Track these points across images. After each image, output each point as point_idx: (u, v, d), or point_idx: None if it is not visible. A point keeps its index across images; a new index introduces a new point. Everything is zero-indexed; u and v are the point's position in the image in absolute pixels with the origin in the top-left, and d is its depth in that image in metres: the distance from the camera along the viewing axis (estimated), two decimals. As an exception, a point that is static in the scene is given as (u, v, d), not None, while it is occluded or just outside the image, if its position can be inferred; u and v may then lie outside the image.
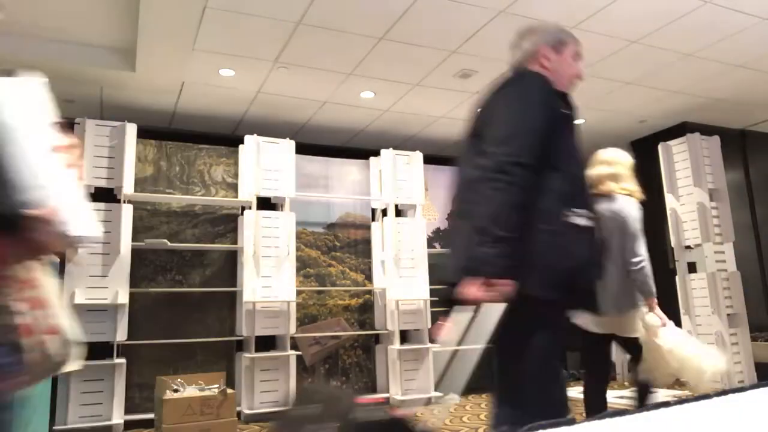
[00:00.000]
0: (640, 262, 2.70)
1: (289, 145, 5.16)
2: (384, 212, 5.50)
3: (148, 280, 4.79)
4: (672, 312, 3.76)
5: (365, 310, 5.46)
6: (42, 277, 1.26)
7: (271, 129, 5.72)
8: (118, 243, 4.43)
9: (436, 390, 5.01)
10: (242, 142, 5.12)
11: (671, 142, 5.83)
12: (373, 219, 5.67)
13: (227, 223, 5.13)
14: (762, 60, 4.75)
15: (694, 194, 5.47)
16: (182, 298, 4.86)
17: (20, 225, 1.14)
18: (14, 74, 1.23)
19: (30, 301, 1.20)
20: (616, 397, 4.55)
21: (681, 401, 0.99)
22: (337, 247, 5.51)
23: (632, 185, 2.85)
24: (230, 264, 5.06)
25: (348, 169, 5.69)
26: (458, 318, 1.67)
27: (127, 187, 4.59)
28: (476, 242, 1.58)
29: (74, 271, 4.26)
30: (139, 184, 4.85)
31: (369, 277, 5.54)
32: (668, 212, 5.68)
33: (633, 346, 2.84)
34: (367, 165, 5.73)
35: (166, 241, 4.70)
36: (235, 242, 5.07)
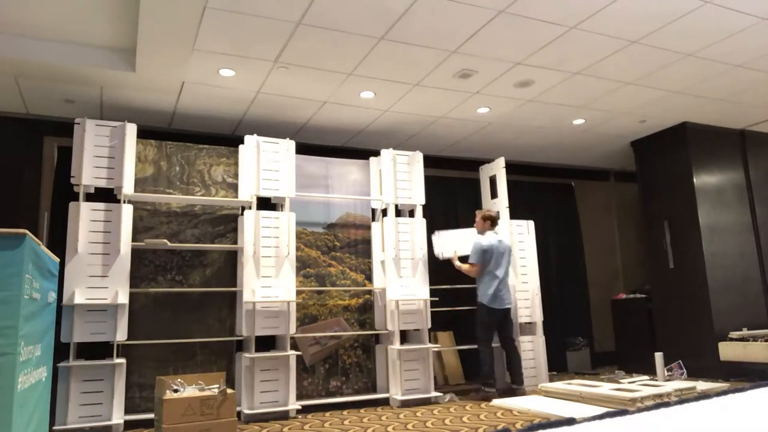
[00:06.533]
0: None
1: (289, 145, 5.16)
2: (384, 212, 5.50)
3: (148, 280, 4.79)
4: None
5: (365, 310, 5.46)
6: None
7: (271, 129, 5.73)
8: (118, 243, 4.43)
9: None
10: (242, 142, 5.12)
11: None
12: (373, 219, 5.67)
13: (227, 223, 5.13)
14: (762, 60, 4.75)
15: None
16: (182, 298, 4.86)
17: None
18: None
19: None
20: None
21: (681, 401, 0.99)
22: (337, 247, 5.50)
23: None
24: (230, 264, 5.06)
25: (348, 169, 5.69)
26: None
27: (127, 187, 4.59)
28: None
29: (74, 270, 4.27)
30: (139, 184, 4.85)
31: (369, 277, 5.53)
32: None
33: None
34: (367, 165, 5.72)
35: (166, 241, 4.70)
36: (235, 242, 5.08)
